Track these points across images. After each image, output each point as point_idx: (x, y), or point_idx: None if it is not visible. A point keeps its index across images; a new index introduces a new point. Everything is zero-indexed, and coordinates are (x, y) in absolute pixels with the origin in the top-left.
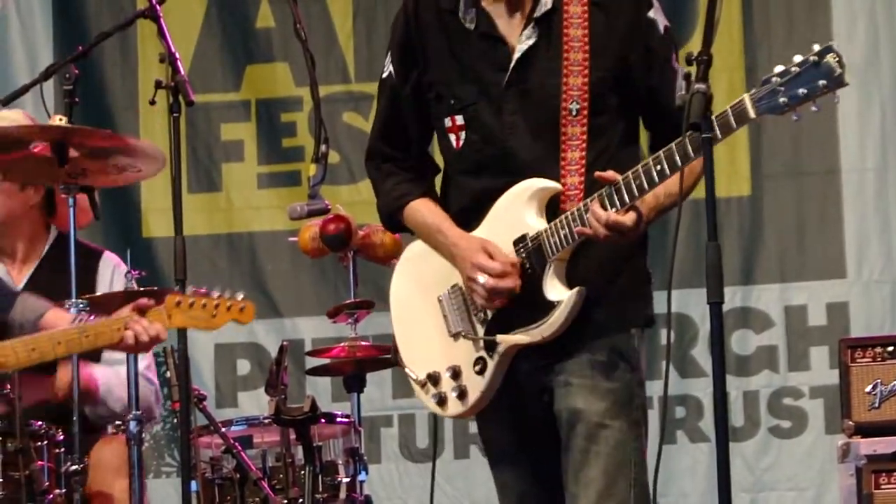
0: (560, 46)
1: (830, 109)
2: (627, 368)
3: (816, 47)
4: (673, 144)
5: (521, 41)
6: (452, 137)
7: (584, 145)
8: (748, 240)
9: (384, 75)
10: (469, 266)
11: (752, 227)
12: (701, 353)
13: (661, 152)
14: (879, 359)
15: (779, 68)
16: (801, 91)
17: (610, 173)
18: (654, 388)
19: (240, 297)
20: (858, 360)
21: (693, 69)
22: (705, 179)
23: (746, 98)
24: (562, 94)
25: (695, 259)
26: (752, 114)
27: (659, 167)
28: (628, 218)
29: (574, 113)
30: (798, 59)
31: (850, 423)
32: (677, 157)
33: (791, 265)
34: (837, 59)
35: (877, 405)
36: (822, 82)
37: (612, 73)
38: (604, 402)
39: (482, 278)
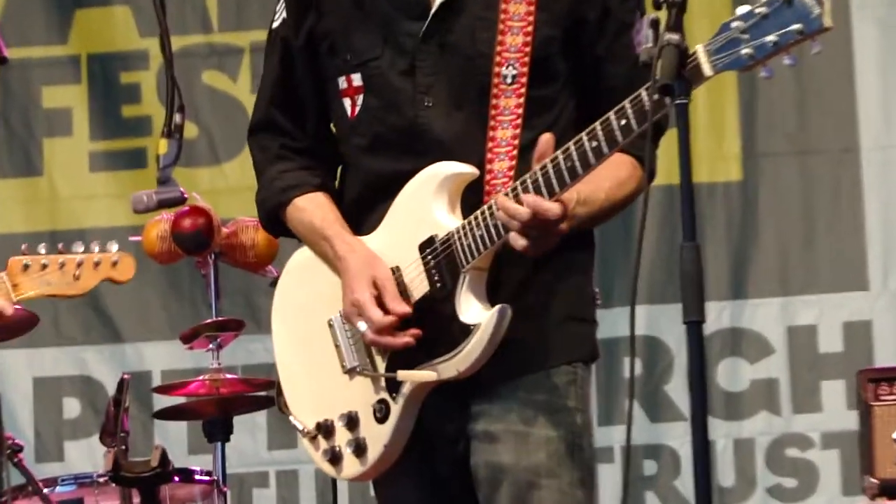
0: None
1: (845, 69)
2: (568, 411)
3: None
4: (611, 113)
5: None
6: (347, 103)
7: (518, 122)
8: (739, 239)
9: (275, 24)
10: (348, 301)
11: (745, 223)
12: (677, 390)
13: (597, 123)
14: None
15: (742, 9)
16: (770, 39)
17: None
18: (614, 436)
19: (113, 248)
20: (884, 399)
21: (662, 14)
22: (680, 159)
23: (700, 50)
24: (495, 54)
25: (668, 265)
26: (707, 71)
27: (595, 143)
28: (553, 206)
29: (509, 80)
30: None
31: (874, 480)
32: (630, 125)
33: (796, 273)
34: None
35: None
36: (795, 26)
37: (563, 33)
38: (537, 455)
39: (361, 326)
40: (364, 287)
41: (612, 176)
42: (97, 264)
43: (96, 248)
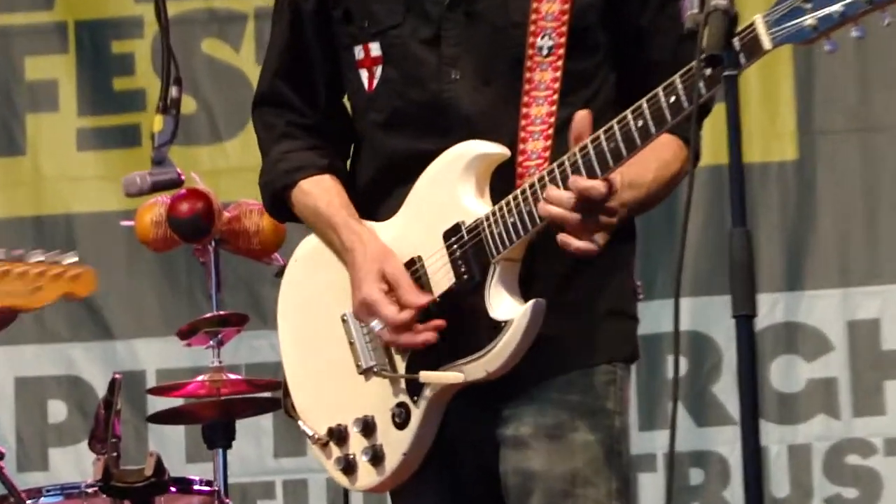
0: None
1: None
2: (607, 414)
3: None
4: (660, 89)
5: None
6: (364, 75)
7: (554, 97)
8: (794, 224)
9: None
10: (357, 301)
11: (801, 207)
12: (726, 391)
13: (643, 101)
14: None
15: None
16: (836, 10)
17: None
18: (656, 442)
19: (70, 259)
20: None
21: None
22: (729, 137)
23: (759, 21)
24: (529, 22)
25: (715, 253)
26: (766, 44)
27: (641, 122)
28: (595, 184)
29: (545, 52)
30: None
31: None
32: (680, 102)
33: (857, 262)
34: None
35: None
36: None
37: (603, 2)
38: (572, 461)
39: (376, 325)
40: (373, 283)
41: (656, 157)
42: (57, 276)
43: (54, 258)
